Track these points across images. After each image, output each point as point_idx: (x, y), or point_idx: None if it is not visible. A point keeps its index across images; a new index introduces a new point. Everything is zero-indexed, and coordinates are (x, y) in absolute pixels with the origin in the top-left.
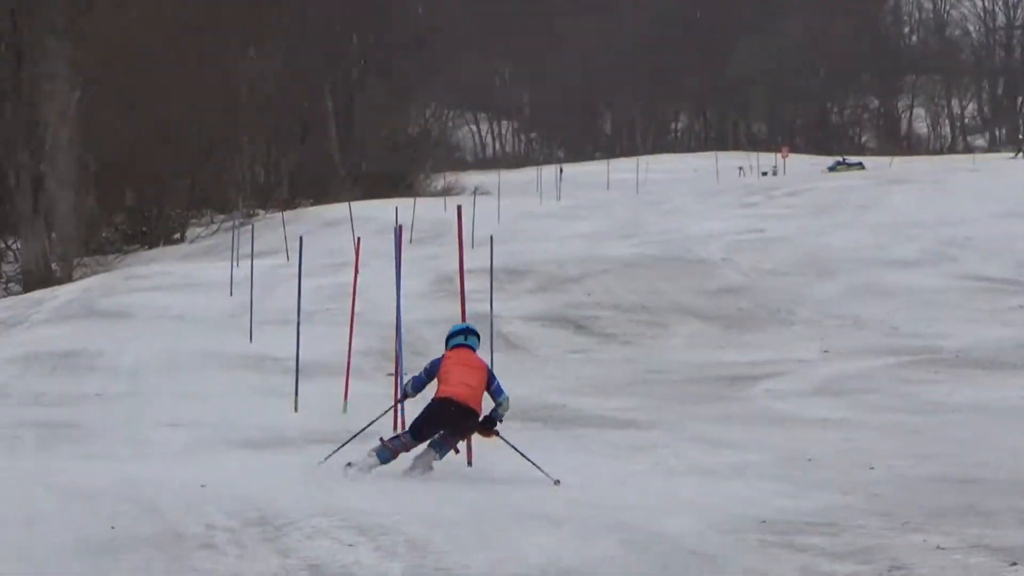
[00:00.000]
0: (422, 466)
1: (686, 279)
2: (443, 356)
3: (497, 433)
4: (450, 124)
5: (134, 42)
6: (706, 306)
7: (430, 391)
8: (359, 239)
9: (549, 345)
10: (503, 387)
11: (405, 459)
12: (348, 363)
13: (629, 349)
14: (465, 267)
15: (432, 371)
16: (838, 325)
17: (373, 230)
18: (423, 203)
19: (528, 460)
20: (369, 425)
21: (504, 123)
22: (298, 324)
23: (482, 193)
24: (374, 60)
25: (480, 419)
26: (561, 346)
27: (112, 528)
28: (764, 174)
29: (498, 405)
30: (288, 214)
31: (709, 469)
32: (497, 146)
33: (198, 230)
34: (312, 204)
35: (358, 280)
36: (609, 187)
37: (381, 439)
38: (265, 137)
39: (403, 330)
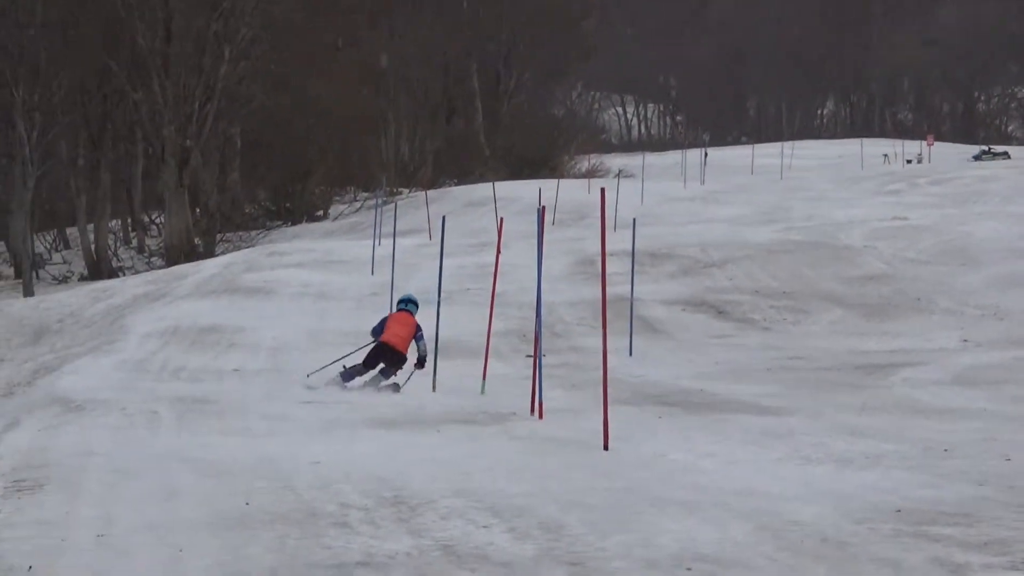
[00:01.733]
0: (374, 385)
1: (828, 266)
2: (389, 314)
3: (423, 367)
4: (596, 106)
5: (282, 18)
6: (847, 293)
7: None
8: (502, 219)
9: (689, 329)
10: (424, 337)
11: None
12: (487, 344)
13: (769, 335)
14: (607, 250)
15: (382, 324)
16: (979, 315)
17: (516, 211)
18: (566, 185)
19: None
20: (341, 359)
21: (650, 106)
22: (438, 304)
23: (626, 176)
24: (522, 41)
25: (416, 361)
26: (701, 330)
27: (247, 504)
28: (909, 162)
29: (421, 351)
30: (432, 193)
31: (846, 458)
32: (642, 129)
33: (341, 207)
34: (456, 184)
35: (500, 261)
36: (753, 172)
37: (344, 366)
38: (411, 117)
39: (543, 311)
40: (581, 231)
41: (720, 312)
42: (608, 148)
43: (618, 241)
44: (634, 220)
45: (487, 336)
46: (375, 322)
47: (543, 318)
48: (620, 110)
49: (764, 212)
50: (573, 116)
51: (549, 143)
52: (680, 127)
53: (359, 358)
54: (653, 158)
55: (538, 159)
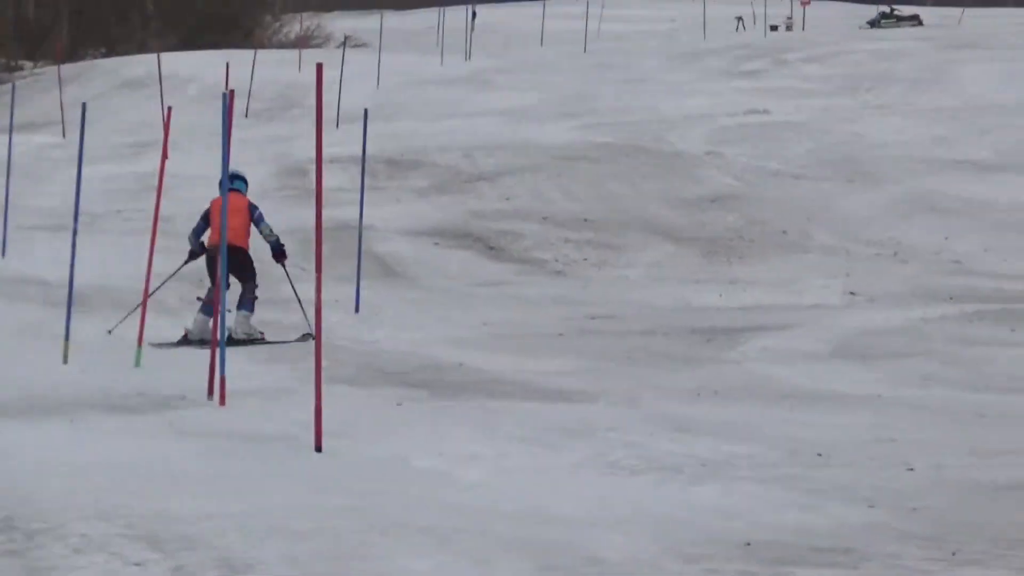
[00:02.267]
0: (244, 330)
1: (651, 181)
2: (209, 207)
3: (284, 257)
4: None
5: None
6: (679, 222)
7: None
8: (170, 109)
9: (445, 273)
10: (264, 216)
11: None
12: (146, 291)
13: (564, 283)
14: (325, 155)
15: (205, 219)
16: (873, 255)
17: (192, 96)
18: (268, 58)
19: (297, 298)
20: (162, 285)
21: None
22: (74, 233)
23: (355, 45)
24: None
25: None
26: (463, 276)
27: None
28: (774, 28)
29: (266, 236)
30: (67, 69)
31: (673, 465)
32: None
33: None
34: (104, 55)
35: (166, 169)
36: (544, 42)
37: (199, 298)
38: None
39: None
40: (288, 127)
41: (491, 248)
42: (330, 4)
43: (342, 142)
44: (365, 112)
45: (146, 281)
46: (196, 225)
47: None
48: None
49: (559, 102)
50: None
51: None
52: None
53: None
54: (396, 20)
55: (225, 19)
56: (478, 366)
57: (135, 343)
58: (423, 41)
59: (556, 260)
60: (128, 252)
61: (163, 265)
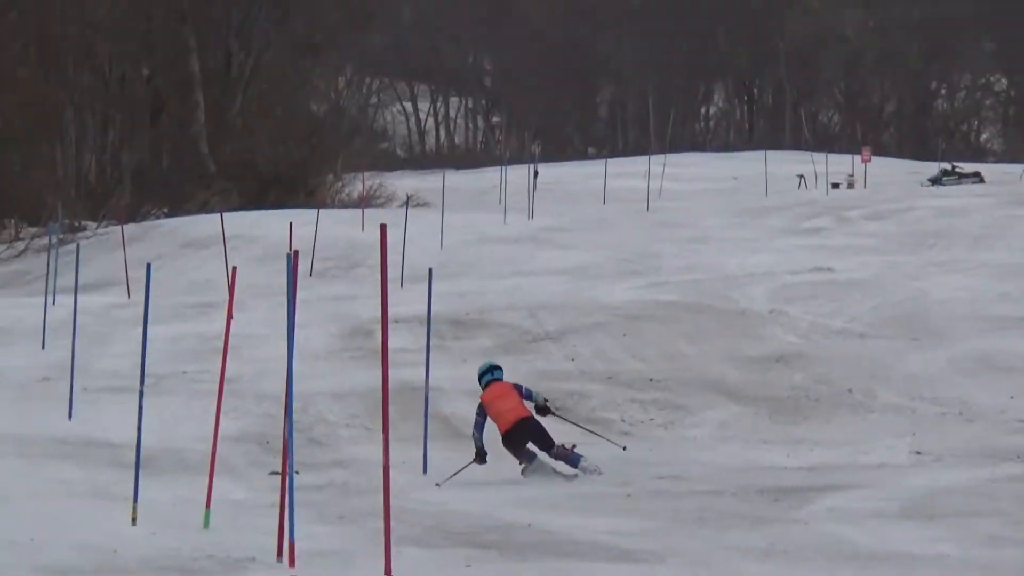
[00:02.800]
0: (584, 469)
1: (717, 340)
2: (482, 401)
3: (551, 410)
4: (375, 100)
5: None
6: (745, 381)
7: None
8: (234, 269)
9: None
10: (530, 389)
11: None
12: (213, 454)
13: (630, 443)
14: (390, 315)
15: (482, 420)
16: (938, 414)
17: (256, 256)
18: (331, 217)
19: (588, 430)
20: (456, 474)
21: (454, 101)
22: (141, 394)
23: (418, 204)
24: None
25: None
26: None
27: None
28: (836, 186)
29: (537, 400)
30: (131, 229)
31: None
32: (442, 135)
33: None
34: (167, 215)
35: (232, 330)
36: (606, 200)
37: (522, 470)
38: (100, 114)
39: (296, 406)
40: (352, 286)
41: (557, 408)
42: (393, 163)
43: (407, 302)
44: (430, 271)
45: (213, 443)
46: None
47: (296, 416)
48: (409, 106)
49: (623, 260)
50: (341, 114)
51: (305, 155)
52: (499, 133)
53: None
54: (459, 179)
55: (289, 179)
56: (547, 526)
57: (203, 504)
58: (486, 200)
59: (623, 420)
60: (194, 413)
61: (230, 426)
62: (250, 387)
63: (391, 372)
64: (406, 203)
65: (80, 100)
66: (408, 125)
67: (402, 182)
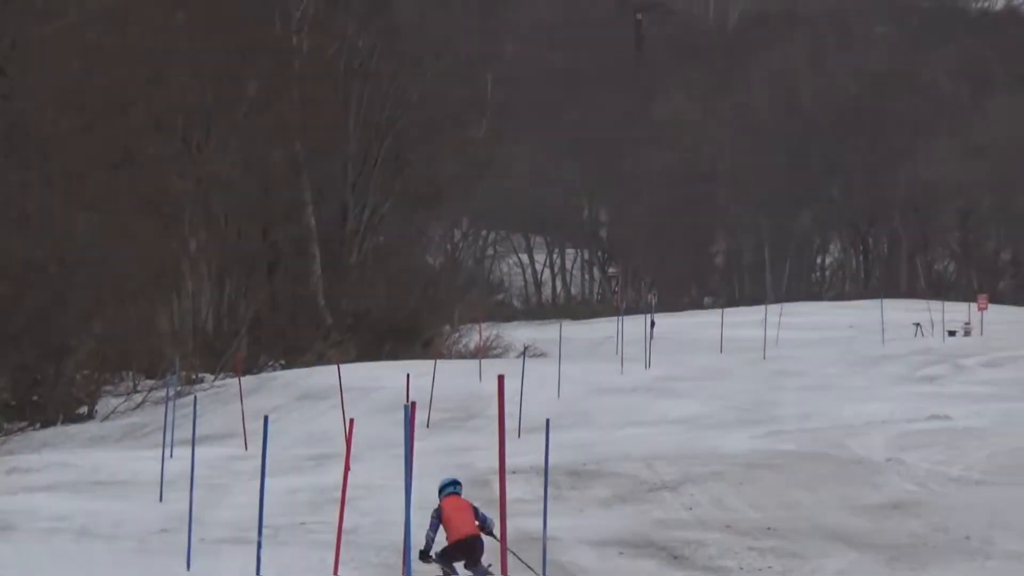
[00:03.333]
0: None
1: (834, 488)
2: (440, 507)
3: (493, 536)
4: (490, 252)
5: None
6: (863, 529)
7: None
8: (352, 420)
9: None
10: (486, 515)
11: None
12: None
13: None
14: (508, 466)
15: (437, 523)
16: None
17: (373, 407)
18: (448, 369)
19: (513, 554)
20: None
21: (569, 252)
22: (259, 545)
23: (535, 355)
24: (380, 153)
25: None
26: None
27: None
28: (952, 334)
29: (488, 524)
30: (249, 381)
31: None
32: (558, 285)
33: (114, 402)
34: (284, 367)
35: (349, 481)
36: (723, 349)
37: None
38: (217, 268)
39: (414, 557)
40: (469, 437)
41: (675, 557)
42: (509, 314)
43: (524, 452)
44: (547, 422)
45: None
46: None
47: (415, 566)
48: (525, 258)
49: (740, 409)
50: (457, 267)
51: (422, 306)
52: (615, 284)
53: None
54: (575, 329)
55: (405, 330)
56: None
57: None
58: (602, 350)
59: (740, 568)
60: (312, 564)
61: None
62: (368, 538)
63: (509, 522)
64: (523, 354)
65: (196, 254)
66: (524, 276)
67: (518, 333)
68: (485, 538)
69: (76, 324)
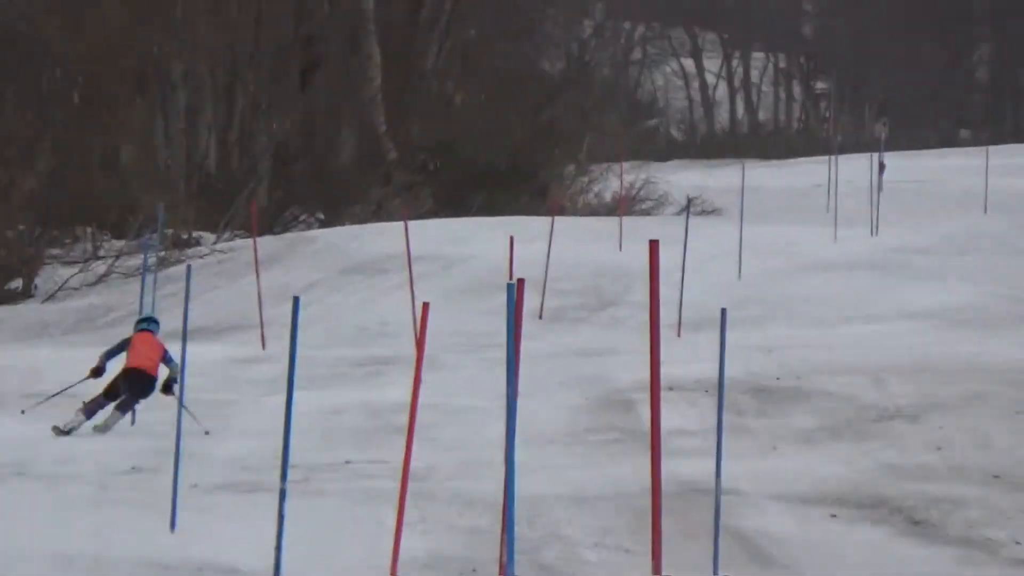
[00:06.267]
0: (110, 422)
1: None
2: (131, 337)
3: (172, 392)
4: (638, 55)
5: None
6: None
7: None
8: (425, 305)
9: (848, 562)
10: (173, 356)
11: None
12: None
13: None
14: (663, 380)
15: (123, 347)
16: None
17: (457, 287)
18: (571, 230)
19: (187, 410)
20: (65, 390)
21: (757, 58)
22: (282, 495)
23: (704, 212)
24: None
25: (161, 385)
26: (875, 566)
27: None
28: None
29: (172, 370)
30: (270, 244)
31: None
32: (739, 108)
33: (63, 272)
34: (322, 223)
35: (420, 399)
36: (989, 208)
37: (83, 402)
38: (223, 70)
39: (519, 517)
40: (604, 335)
41: (915, 523)
42: (666, 149)
43: (687, 360)
44: (723, 313)
45: (392, 569)
46: (111, 348)
47: (518, 531)
48: (689, 65)
49: (1014, 299)
50: (588, 76)
51: (533, 136)
52: (825, 107)
53: (97, 387)
54: (765, 174)
55: (508, 171)
56: None
57: None
58: (805, 206)
59: (1016, 543)
60: (363, 526)
61: (417, 545)
62: (448, 487)
63: (664, 465)
64: (686, 209)
65: (195, 50)
66: (688, 93)
67: (679, 177)
68: None
69: (5, 154)
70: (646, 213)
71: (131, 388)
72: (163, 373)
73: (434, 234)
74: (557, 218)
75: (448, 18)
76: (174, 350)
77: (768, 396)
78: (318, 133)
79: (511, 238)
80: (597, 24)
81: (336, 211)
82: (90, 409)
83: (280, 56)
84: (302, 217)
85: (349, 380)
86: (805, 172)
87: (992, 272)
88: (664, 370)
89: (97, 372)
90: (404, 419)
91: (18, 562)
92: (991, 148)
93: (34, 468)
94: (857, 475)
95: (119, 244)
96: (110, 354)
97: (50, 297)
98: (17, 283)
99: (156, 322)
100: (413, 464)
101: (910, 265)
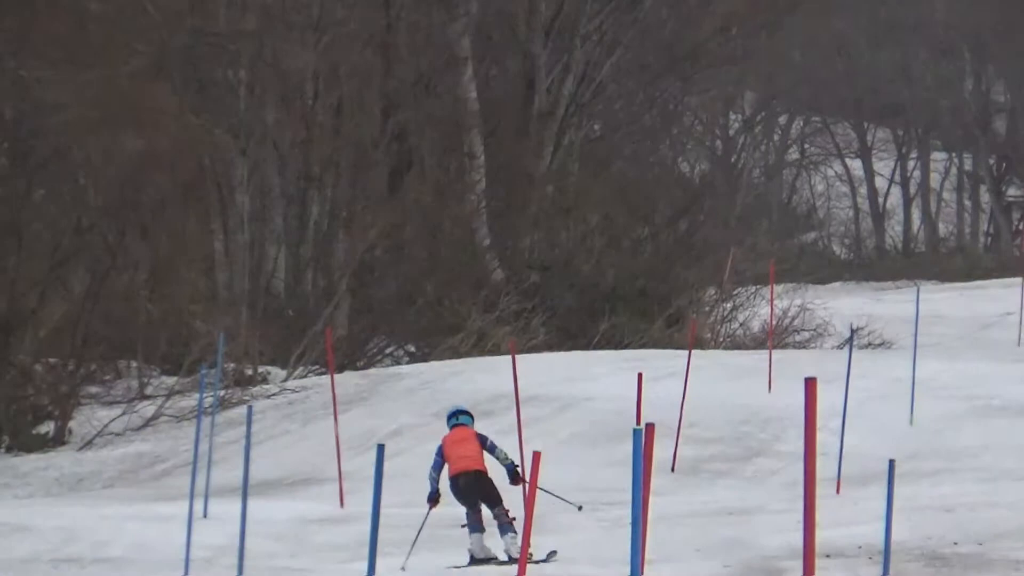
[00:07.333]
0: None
1: None
2: (441, 443)
3: (522, 479)
4: (794, 154)
5: None
6: None
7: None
8: (536, 455)
9: None
10: (495, 442)
11: None
12: None
13: None
14: (819, 545)
15: (439, 459)
16: None
17: (574, 432)
18: (711, 366)
19: (550, 493)
20: (419, 533)
21: (938, 158)
22: None
23: (872, 344)
24: None
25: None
26: None
27: None
28: None
29: (502, 458)
30: (350, 381)
31: None
32: (915, 219)
33: (102, 415)
34: (413, 355)
35: (529, 568)
36: None
37: (464, 526)
38: (299, 168)
39: None
40: (748, 491)
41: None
42: (825, 269)
43: (846, 520)
44: (891, 464)
45: None
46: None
47: None
48: (856, 167)
49: None
50: (733, 180)
51: (667, 252)
52: (1019, 217)
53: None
54: (946, 298)
55: (636, 296)
56: None
57: None
58: (993, 337)
59: None
60: None
61: None
62: None
63: None
64: (849, 341)
65: (262, 145)
66: (854, 201)
67: (842, 303)
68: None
69: (33, 273)
70: (802, 346)
71: (474, 493)
72: (492, 464)
73: (547, 370)
74: (694, 352)
75: (567, 110)
76: (234, 507)
77: (944, 564)
78: (409, 248)
79: (639, 375)
80: (746, 118)
81: (430, 342)
82: (475, 521)
83: (364, 154)
84: (389, 349)
85: (443, 544)
86: (993, 297)
87: None
88: (820, 533)
89: (435, 498)
90: None
91: None
92: None
93: None
94: None
95: (170, 381)
96: (436, 468)
97: (87, 444)
98: (48, 427)
99: (469, 415)
100: None
101: None
